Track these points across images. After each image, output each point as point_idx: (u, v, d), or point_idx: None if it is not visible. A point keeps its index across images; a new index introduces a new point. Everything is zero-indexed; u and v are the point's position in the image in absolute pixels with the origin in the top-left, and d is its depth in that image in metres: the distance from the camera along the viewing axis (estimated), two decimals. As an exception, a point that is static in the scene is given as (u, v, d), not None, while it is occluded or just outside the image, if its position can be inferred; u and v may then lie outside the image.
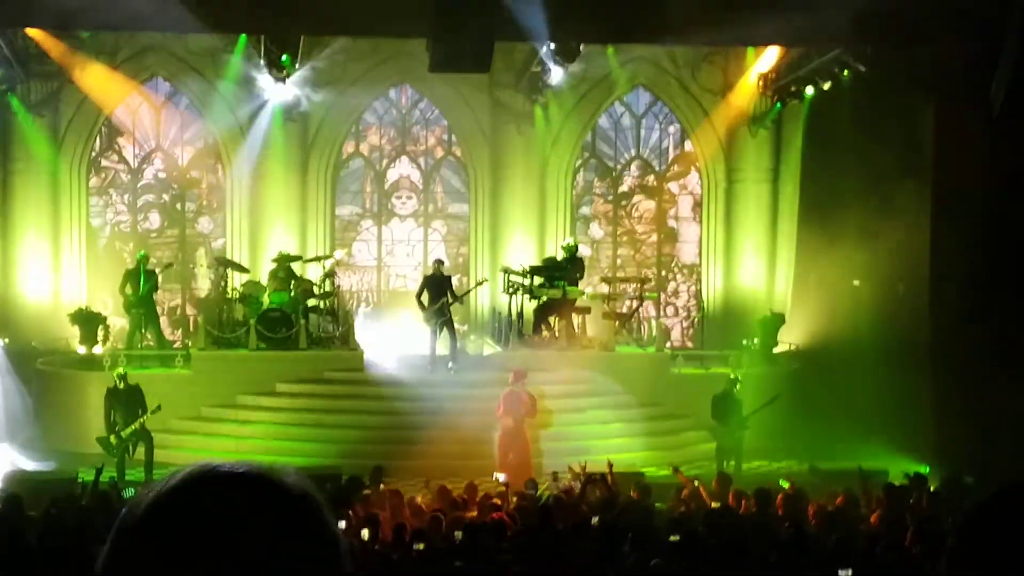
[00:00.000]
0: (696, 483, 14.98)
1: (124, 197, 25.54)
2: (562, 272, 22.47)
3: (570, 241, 23.58)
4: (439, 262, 22.06)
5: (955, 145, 18.20)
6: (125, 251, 25.14)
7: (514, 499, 14.14)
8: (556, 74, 24.03)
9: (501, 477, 15.46)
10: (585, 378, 21.57)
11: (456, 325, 21.57)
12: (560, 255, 23.08)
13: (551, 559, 10.21)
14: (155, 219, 25.64)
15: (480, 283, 23.41)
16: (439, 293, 21.27)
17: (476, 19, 16.38)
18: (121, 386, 18.49)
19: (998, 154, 17.46)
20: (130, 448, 18.43)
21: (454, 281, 22.15)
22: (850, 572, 10.14)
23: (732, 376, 20.03)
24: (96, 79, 23.85)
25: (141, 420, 18.40)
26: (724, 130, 25.58)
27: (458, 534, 11.19)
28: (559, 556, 10.38)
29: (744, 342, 23.41)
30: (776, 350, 23.11)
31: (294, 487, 1.73)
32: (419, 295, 21.59)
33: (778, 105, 25.11)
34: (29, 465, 19.38)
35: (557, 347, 22.38)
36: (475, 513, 12.94)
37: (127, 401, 18.51)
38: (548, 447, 19.58)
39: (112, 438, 18.34)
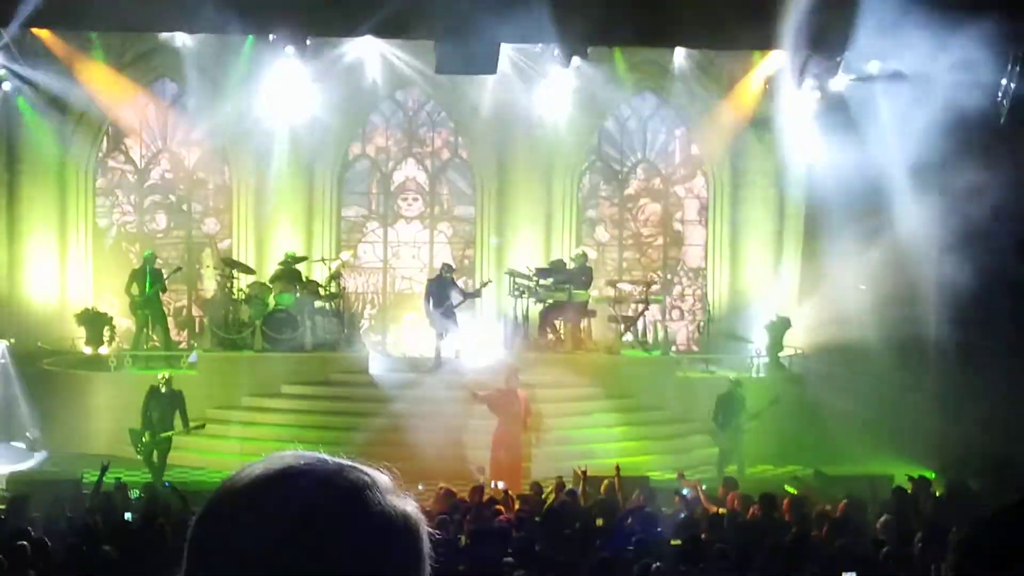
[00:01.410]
0: (702, 487, 14.96)
1: (131, 198, 25.55)
2: (569, 277, 22.49)
3: (579, 251, 23.64)
4: (446, 267, 22.10)
5: (962, 145, 18.16)
6: (131, 251, 25.16)
7: (518, 503, 14.14)
8: (562, 76, 24.06)
9: (501, 485, 15.46)
10: (590, 381, 21.57)
11: (460, 326, 21.55)
12: (570, 265, 23.08)
13: (555, 563, 10.20)
14: (161, 220, 25.65)
15: (485, 284, 23.42)
16: (443, 296, 21.28)
17: (483, 21, 16.42)
18: (163, 389, 18.58)
19: (1006, 155, 17.43)
20: (154, 453, 18.41)
21: (459, 284, 22.16)
22: (854, 575, 10.14)
23: (733, 378, 20.09)
24: (103, 80, 23.86)
25: (180, 432, 18.45)
26: (730, 134, 25.55)
27: (462, 538, 11.19)
28: (563, 560, 10.37)
29: (749, 346, 23.41)
30: (782, 354, 23.10)
31: (396, 509, 1.67)
32: (426, 299, 21.63)
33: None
34: (34, 465, 19.42)
35: (562, 350, 22.38)
36: (479, 516, 12.92)
37: (167, 404, 18.58)
38: (553, 450, 19.56)
39: (146, 435, 18.37)
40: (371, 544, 1.64)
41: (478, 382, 18.53)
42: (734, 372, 21.58)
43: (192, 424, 18.57)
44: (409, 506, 1.70)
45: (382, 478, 1.71)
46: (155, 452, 18.37)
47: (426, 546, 1.71)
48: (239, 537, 1.62)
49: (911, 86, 19.22)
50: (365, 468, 1.71)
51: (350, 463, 1.72)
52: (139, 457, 18.36)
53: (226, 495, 1.68)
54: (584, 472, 15.15)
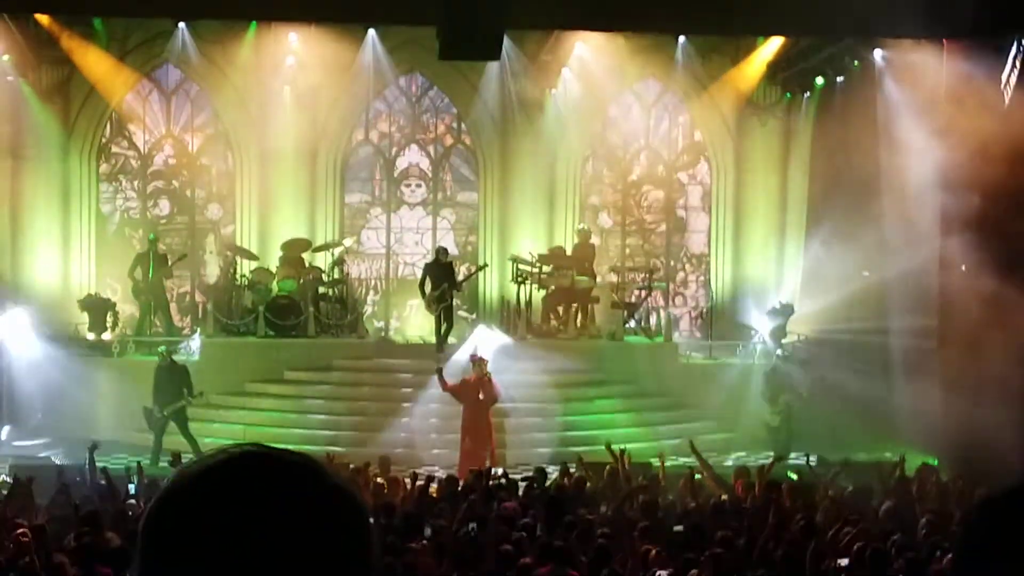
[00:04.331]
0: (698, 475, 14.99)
1: (134, 184, 25.52)
2: (571, 263, 22.51)
3: (583, 226, 23.69)
4: (442, 250, 22.10)
5: (966, 134, 18.11)
6: (135, 238, 25.14)
7: (523, 488, 14.16)
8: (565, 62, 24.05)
9: (499, 471, 15.50)
10: (593, 367, 21.59)
11: (462, 313, 21.56)
12: (575, 239, 23.17)
13: (558, 549, 10.21)
14: (165, 206, 25.63)
15: (481, 267, 23.42)
16: (441, 280, 21.30)
17: (486, 7, 16.38)
18: (164, 363, 19.16)
19: (1009, 142, 17.36)
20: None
21: (460, 269, 22.19)
22: (846, 562, 10.16)
23: (779, 351, 20.68)
24: (106, 66, 23.81)
25: (181, 404, 18.90)
26: (733, 120, 25.48)
27: (467, 524, 11.20)
28: (566, 546, 10.38)
29: (753, 333, 23.41)
30: (785, 340, 23.09)
31: (343, 487, 1.72)
32: (422, 283, 21.61)
33: (787, 95, 25.03)
34: (38, 451, 19.44)
35: (565, 336, 22.39)
36: (482, 502, 12.93)
37: (172, 379, 19.09)
38: (556, 436, 19.59)
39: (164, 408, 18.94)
40: (327, 515, 1.68)
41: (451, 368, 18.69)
42: (778, 350, 21.90)
43: (196, 393, 19.06)
44: (354, 487, 1.76)
45: (323, 461, 1.76)
46: (164, 428, 18.96)
47: (372, 525, 1.75)
48: (199, 518, 1.65)
49: None
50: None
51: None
52: (151, 436, 18.77)
53: (182, 481, 1.71)
54: (622, 452, 15.09)
